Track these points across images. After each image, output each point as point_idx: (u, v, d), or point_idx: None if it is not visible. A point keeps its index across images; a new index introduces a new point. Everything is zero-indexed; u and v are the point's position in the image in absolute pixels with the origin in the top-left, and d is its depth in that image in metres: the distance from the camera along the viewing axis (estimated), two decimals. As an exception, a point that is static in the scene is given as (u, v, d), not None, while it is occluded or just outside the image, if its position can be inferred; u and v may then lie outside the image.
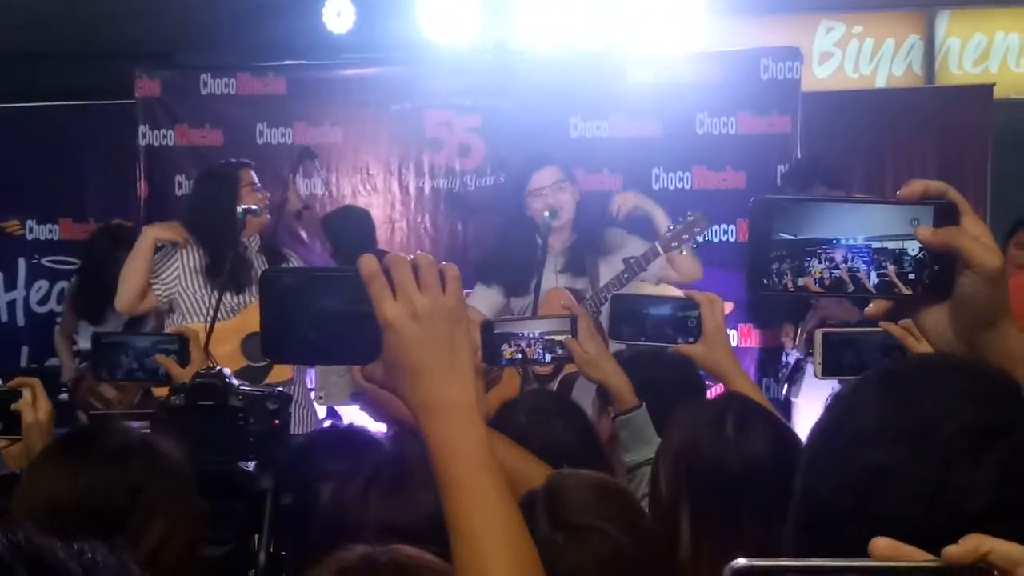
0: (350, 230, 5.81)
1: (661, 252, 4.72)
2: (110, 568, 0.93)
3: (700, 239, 4.89)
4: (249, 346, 4.87)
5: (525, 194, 4.98)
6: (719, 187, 6.25)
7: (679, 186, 6.28)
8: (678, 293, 3.37)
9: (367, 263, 1.38)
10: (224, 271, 4.78)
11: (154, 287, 5.01)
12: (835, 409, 1.20)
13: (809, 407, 4.94)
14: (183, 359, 3.08)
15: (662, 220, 5.05)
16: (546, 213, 4.77)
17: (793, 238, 1.33)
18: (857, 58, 7.78)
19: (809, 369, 5.26)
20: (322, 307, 1.42)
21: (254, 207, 4.98)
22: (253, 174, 5.23)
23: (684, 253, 4.84)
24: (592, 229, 5.07)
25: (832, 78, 7.76)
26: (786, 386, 5.54)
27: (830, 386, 4.20)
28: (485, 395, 2.47)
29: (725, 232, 6.24)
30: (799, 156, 6.21)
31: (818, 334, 2.83)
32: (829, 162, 6.00)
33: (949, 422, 1.10)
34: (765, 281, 1.33)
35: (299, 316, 1.43)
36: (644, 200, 5.25)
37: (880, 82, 7.79)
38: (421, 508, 1.84)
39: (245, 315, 4.94)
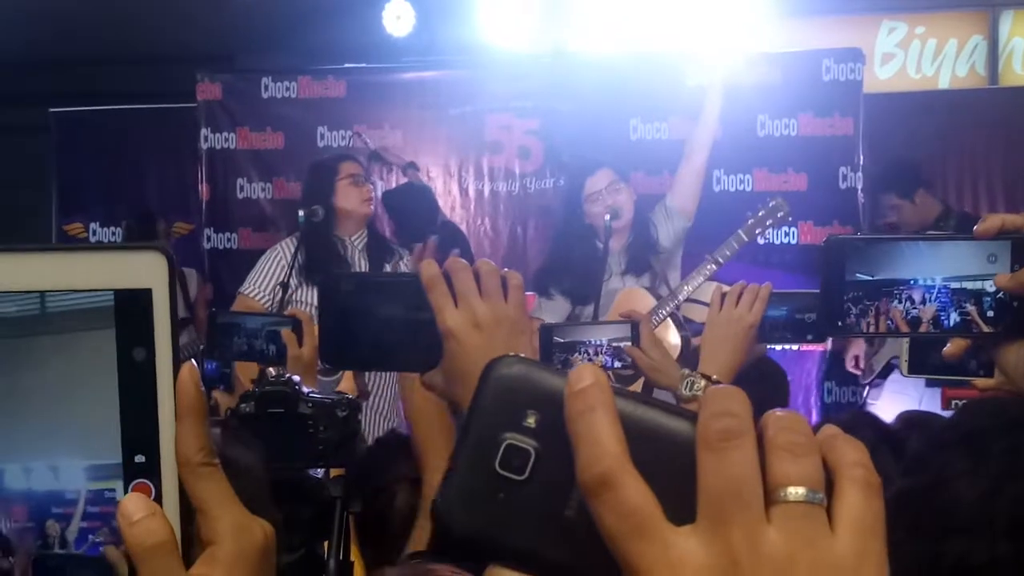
0: (411, 206, 5.78)
1: (745, 239, 4.65)
2: None
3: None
4: None
5: (583, 201, 4.96)
6: (780, 189, 6.16)
7: (740, 188, 6.22)
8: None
9: (428, 269, 1.34)
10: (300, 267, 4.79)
11: (253, 295, 4.96)
12: (918, 477, 1.14)
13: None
14: (298, 341, 3.08)
15: None
16: (607, 216, 4.73)
17: (869, 278, 1.32)
18: (920, 59, 7.68)
19: (894, 375, 5.28)
20: (382, 313, 1.39)
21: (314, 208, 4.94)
22: (356, 165, 5.13)
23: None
24: (647, 227, 5.06)
25: (894, 79, 7.67)
26: (867, 388, 5.53)
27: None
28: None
29: (786, 235, 6.19)
30: (861, 158, 6.16)
31: None
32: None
33: None
34: (840, 323, 1.32)
35: (358, 322, 1.40)
36: None
37: (943, 83, 7.69)
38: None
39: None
